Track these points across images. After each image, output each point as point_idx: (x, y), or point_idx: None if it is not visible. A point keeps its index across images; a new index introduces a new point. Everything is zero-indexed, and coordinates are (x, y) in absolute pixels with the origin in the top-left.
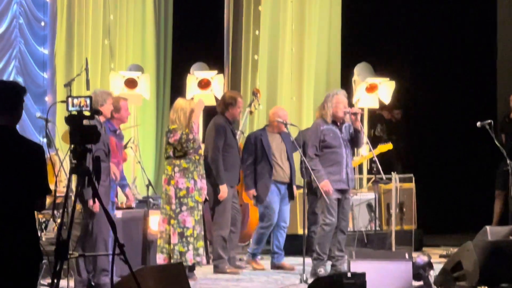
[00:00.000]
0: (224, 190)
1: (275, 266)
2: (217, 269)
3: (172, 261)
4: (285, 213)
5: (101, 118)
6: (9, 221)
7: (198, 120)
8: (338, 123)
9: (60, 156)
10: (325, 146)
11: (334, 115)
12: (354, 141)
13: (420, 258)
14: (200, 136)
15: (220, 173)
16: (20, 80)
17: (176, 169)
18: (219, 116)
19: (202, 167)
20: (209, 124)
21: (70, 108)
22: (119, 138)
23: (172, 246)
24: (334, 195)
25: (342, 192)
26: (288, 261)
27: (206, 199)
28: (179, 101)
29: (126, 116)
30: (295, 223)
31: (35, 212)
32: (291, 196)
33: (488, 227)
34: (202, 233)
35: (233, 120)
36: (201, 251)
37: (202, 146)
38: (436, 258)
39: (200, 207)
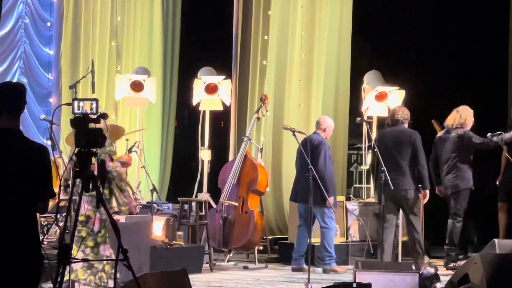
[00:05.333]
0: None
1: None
2: None
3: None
4: None
5: None
6: (11, 224)
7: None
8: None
9: (64, 159)
10: None
11: None
12: None
13: (427, 270)
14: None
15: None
16: (24, 81)
17: None
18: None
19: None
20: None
21: (76, 111)
22: None
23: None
24: None
25: None
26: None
27: (211, 205)
28: None
29: None
30: None
31: (37, 215)
32: None
33: (496, 240)
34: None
35: None
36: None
37: None
38: (443, 270)
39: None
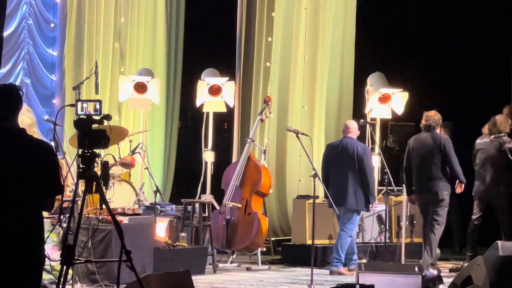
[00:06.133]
0: None
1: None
2: None
3: None
4: None
5: None
6: (13, 222)
7: None
8: None
9: (68, 160)
10: None
11: None
12: None
13: (430, 271)
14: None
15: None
16: (28, 82)
17: None
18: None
19: None
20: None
21: (79, 112)
22: None
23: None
24: None
25: None
26: (297, 271)
27: (214, 207)
28: None
29: None
30: (303, 234)
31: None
32: None
33: (499, 242)
34: None
35: None
36: None
37: None
38: (446, 272)
39: None
